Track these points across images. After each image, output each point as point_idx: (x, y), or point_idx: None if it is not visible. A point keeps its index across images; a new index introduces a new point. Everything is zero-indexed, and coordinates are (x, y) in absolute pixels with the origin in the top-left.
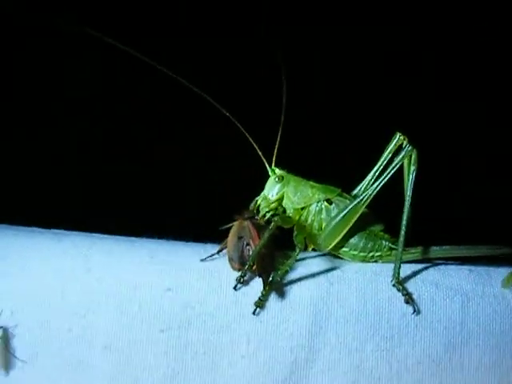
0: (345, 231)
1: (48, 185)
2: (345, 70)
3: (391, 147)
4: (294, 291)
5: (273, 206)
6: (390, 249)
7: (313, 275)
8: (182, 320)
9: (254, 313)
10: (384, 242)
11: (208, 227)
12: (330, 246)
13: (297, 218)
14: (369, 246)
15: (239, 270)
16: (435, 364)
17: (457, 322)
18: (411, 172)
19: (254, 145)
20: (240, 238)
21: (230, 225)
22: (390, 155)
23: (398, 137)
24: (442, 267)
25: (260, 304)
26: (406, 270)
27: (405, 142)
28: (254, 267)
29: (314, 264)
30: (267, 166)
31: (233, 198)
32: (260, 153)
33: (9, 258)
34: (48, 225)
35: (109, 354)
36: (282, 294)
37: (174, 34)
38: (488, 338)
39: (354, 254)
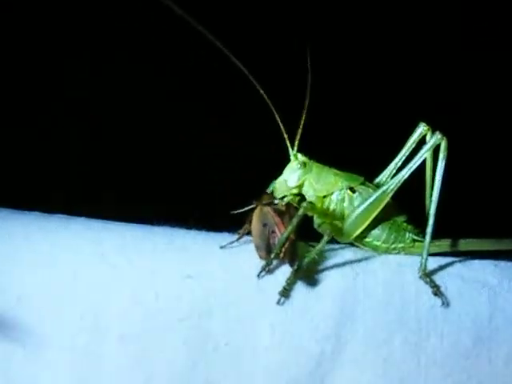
0: (368, 221)
1: (47, 182)
2: (371, 57)
3: (415, 137)
4: (319, 281)
5: (292, 191)
6: (414, 240)
7: (337, 265)
8: (202, 309)
9: (278, 302)
10: (407, 233)
11: (208, 224)
12: (353, 236)
13: (319, 205)
14: (392, 236)
15: (266, 259)
16: (463, 358)
17: (484, 315)
18: (441, 160)
19: (281, 126)
20: (264, 225)
21: (245, 209)
22: (414, 145)
23: (422, 127)
24: (466, 261)
25: (285, 293)
26: (431, 262)
27: (429, 133)
28: (282, 255)
29: (337, 254)
30: (290, 150)
31: (232, 198)
32: (286, 136)
33: (14, 241)
34: None
35: (124, 344)
36: (306, 284)
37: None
38: None
39: (376, 245)
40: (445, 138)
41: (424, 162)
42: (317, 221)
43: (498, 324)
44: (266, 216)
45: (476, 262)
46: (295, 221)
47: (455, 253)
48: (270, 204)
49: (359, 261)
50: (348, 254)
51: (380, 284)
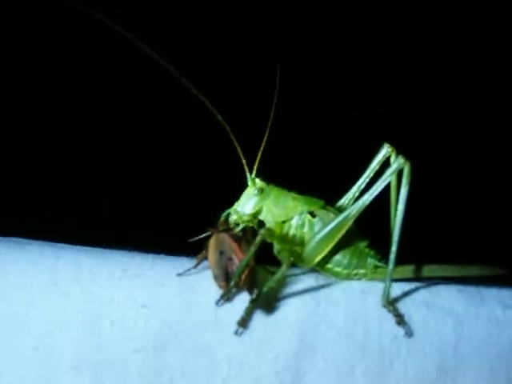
0: (330, 247)
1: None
2: (333, 74)
3: (379, 159)
4: (278, 310)
5: (246, 218)
6: (376, 266)
7: (298, 293)
8: (157, 340)
9: (236, 333)
10: (369, 258)
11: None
12: (313, 262)
13: (278, 231)
14: (353, 262)
15: (225, 288)
16: None
17: (450, 344)
18: (404, 185)
19: (238, 149)
20: (221, 253)
21: (202, 236)
22: (378, 167)
23: (386, 148)
24: (431, 287)
25: (243, 323)
26: (395, 289)
27: (393, 154)
28: (241, 283)
29: (298, 281)
30: (248, 174)
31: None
32: (244, 161)
33: None
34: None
35: (77, 376)
36: (266, 313)
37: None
38: (482, 363)
39: (338, 271)
40: (408, 162)
41: (388, 183)
42: (276, 247)
43: (463, 353)
44: (223, 243)
45: (441, 287)
46: (253, 249)
47: (419, 279)
48: (227, 230)
49: (321, 288)
50: (309, 280)
51: (342, 313)
